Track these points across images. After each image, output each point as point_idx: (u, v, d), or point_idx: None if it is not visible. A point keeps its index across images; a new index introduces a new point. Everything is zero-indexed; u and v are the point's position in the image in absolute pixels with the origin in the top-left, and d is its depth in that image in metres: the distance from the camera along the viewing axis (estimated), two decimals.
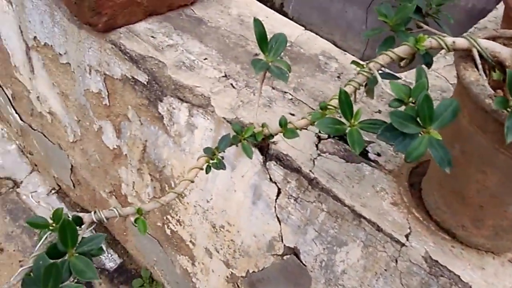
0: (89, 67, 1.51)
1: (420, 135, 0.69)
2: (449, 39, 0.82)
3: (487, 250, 0.98)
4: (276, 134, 0.84)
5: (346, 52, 1.50)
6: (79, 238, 0.71)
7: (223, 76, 1.30)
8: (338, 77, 1.37)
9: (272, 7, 3.45)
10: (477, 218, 0.92)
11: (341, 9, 3.15)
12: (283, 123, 0.82)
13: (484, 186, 0.86)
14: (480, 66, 0.79)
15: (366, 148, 1.14)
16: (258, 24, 0.88)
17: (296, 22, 3.34)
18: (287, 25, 1.59)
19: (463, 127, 0.86)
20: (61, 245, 0.69)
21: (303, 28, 1.59)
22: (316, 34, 3.27)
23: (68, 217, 0.71)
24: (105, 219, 0.75)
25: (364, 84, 0.87)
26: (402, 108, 0.73)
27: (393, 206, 1.04)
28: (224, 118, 1.17)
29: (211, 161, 0.80)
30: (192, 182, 0.77)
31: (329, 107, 0.82)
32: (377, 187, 1.06)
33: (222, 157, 0.80)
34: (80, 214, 0.74)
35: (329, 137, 1.15)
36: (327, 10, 3.21)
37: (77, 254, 0.69)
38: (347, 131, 0.75)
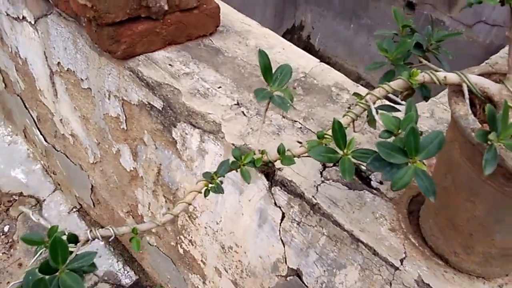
0: (109, 92, 1.59)
1: (407, 165, 0.74)
2: (441, 74, 0.87)
3: (478, 276, 1.01)
4: (275, 161, 0.89)
5: (358, 85, 1.54)
6: (73, 255, 0.73)
7: (235, 104, 1.36)
8: (349, 108, 1.43)
9: (299, 39, 3.54)
10: (468, 245, 0.96)
11: (365, 43, 3.22)
12: (281, 151, 0.88)
13: (473, 215, 0.90)
14: (467, 101, 0.84)
15: (370, 176, 1.18)
16: (263, 55, 0.92)
17: (322, 55, 3.42)
18: (303, 56, 1.65)
19: (454, 158, 0.90)
20: (52, 261, 0.71)
21: (318, 60, 1.64)
22: (341, 66, 3.34)
23: (65, 234, 0.75)
24: (100, 238, 0.80)
25: (366, 115, 0.92)
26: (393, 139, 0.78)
27: (391, 231, 1.08)
28: (233, 144, 1.23)
29: (210, 185, 0.85)
30: (190, 204, 0.82)
31: (326, 136, 0.87)
32: (377, 214, 1.10)
33: (221, 182, 0.86)
34: (76, 232, 0.78)
35: (334, 165, 1.20)
36: (352, 43, 3.28)
37: (67, 271, 0.71)
38: (339, 159, 0.81)
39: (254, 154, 0.89)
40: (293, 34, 3.53)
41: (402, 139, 0.75)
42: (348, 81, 1.55)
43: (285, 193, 1.15)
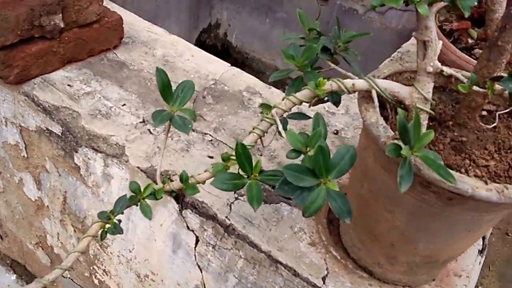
0: (5, 119, 1.46)
1: (318, 187, 0.68)
2: (349, 82, 0.82)
3: (404, 285, 0.98)
4: (180, 190, 0.81)
5: (271, 86, 1.49)
6: None
7: (140, 122, 1.27)
8: (262, 112, 1.36)
9: (216, 37, 3.48)
10: (391, 256, 0.93)
11: (281, 36, 3.21)
12: (183, 178, 0.79)
13: (393, 225, 0.86)
14: (377, 109, 0.79)
15: None
16: (160, 73, 0.84)
17: (240, 51, 3.39)
18: (213, 62, 1.57)
19: (369, 166, 0.86)
20: None
21: (229, 64, 1.58)
22: (259, 60, 3.32)
23: None
24: None
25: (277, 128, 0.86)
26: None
27: (311, 246, 1.03)
28: (138, 168, 1.14)
29: (106, 226, 0.76)
30: (83, 253, 0.73)
31: (231, 158, 0.80)
32: (295, 228, 1.05)
33: (119, 220, 0.77)
34: None
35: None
36: (268, 37, 3.28)
37: None
38: (246, 184, 0.74)
39: (155, 184, 0.80)
40: (209, 33, 3.48)
41: (311, 157, 0.69)
42: (260, 84, 1.49)
43: (197, 215, 1.08)
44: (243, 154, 0.72)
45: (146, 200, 0.77)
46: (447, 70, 0.78)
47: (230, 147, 1.23)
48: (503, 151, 0.85)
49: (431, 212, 0.80)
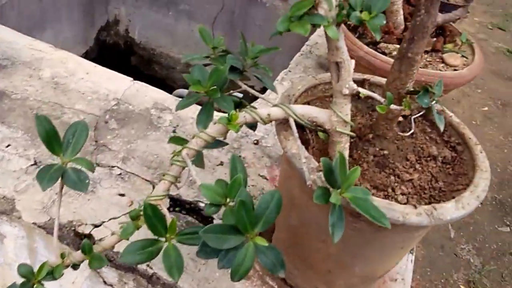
0: None
1: (244, 244, 0.60)
2: (264, 112, 0.76)
3: None
4: (82, 262, 0.70)
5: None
6: None
7: (32, 165, 1.12)
8: (174, 131, 1.26)
9: (117, 34, 3.29)
10: (328, 280, 0.91)
11: (187, 28, 3.12)
12: (86, 249, 0.68)
13: (327, 253, 0.84)
14: (299, 142, 0.73)
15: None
16: (41, 121, 0.68)
17: (145, 47, 3.21)
18: (112, 78, 1.44)
19: (296, 196, 0.83)
20: None
21: (131, 78, 1.45)
22: (167, 55, 3.17)
23: None
24: None
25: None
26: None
27: (246, 280, 0.96)
28: (35, 223, 1.01)
29: None
30: None
31: (142, 213, 0.70)
32: None
33: None
34: None
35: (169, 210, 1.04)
36: (174, 31, 3.17)
37: None
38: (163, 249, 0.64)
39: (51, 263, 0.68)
40: (109, 31, 3.30)
41: (232, 210, 0.61)
42: (169, 98, 1.40)
43: (114, 269, 0.97)
44: (153, 216, 0.62)
45: (43, 282, 0.65)
46: (363, 91, 0.74)
47: (143, 178, 1.12)
48: (423, 159, 0.85)
49: (364, 238, 0.78)
